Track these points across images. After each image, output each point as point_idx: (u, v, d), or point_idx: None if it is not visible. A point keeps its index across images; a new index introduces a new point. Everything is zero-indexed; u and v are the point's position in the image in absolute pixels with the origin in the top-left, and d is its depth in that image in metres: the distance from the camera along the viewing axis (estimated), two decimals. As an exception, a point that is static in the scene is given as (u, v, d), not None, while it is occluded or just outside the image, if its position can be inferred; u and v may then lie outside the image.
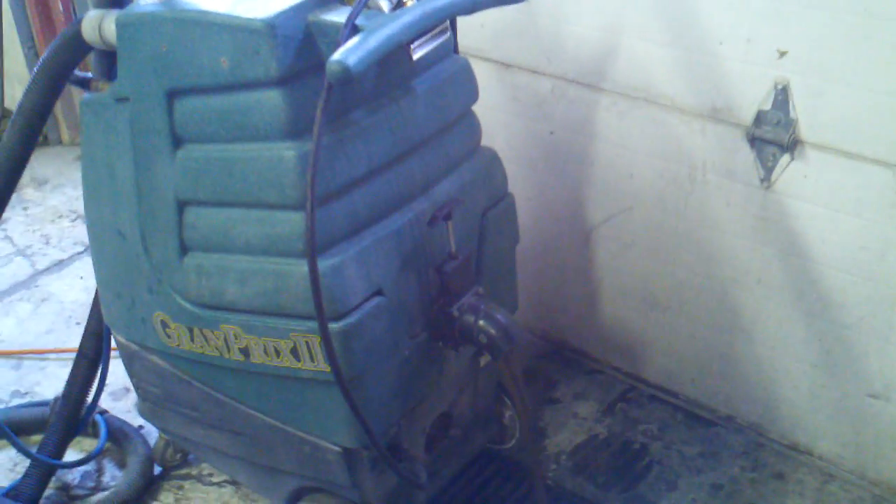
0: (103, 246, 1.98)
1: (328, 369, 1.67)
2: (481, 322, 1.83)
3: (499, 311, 1.85)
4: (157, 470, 2.39)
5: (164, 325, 1.88)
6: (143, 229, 1.83)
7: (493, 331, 1.82)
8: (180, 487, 2.35)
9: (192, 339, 1.85)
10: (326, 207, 1.65)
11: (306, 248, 1.54)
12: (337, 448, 1.84)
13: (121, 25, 1.71)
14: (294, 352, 1.73)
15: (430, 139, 1.84)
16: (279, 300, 1.70)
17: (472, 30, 2.43)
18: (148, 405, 2.14)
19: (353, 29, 1.55)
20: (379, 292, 1.74)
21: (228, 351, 1.81)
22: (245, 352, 1.79)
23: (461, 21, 2.05)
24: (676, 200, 2.32)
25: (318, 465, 1.89)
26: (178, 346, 1.90)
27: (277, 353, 1.75)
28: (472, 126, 1.98)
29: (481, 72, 2.13)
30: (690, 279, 2.41)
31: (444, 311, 1.86)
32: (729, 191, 2.22)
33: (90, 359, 2.23)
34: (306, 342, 1.71)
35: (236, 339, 1.78)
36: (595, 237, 2.54)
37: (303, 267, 1.63)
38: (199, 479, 2.37)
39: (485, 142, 2.06)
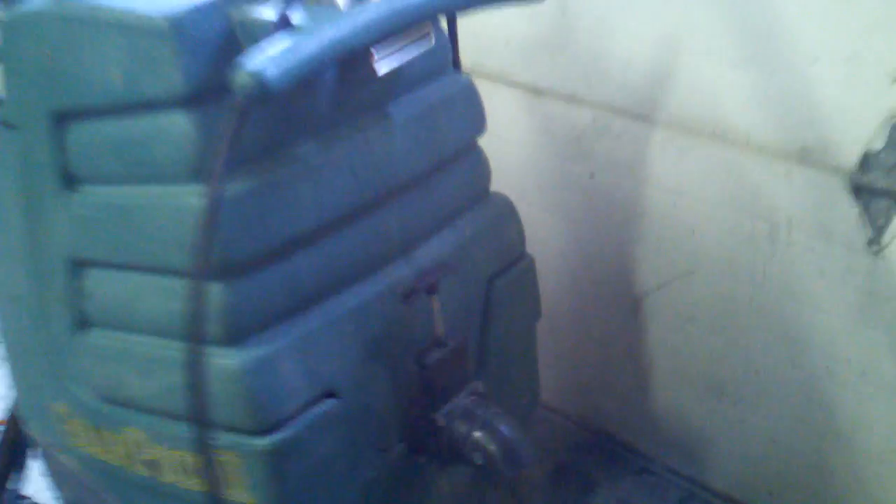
0: (4, 312, 1.54)
1: None
2: (477, 435, 1.34)
3: (503, 419, 1.36)
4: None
5: (63, 418, 1.43)
6: (39, 295, 1.39)
7: (492, 447, 1.33)
8: None
9: (95, 441, 1.39)
10: (253, 276, 1.19)
11: (189, 330, 1.07)
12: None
13: (4, 27, 1.28)
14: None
15: (413, 183, 1.37)
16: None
17: (496, 47, 1.96)
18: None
19: (287, 28, 1.09)
20: (330, 394, 1.27)
21: (132, 462, 1.34)
22: (152, 466, 1.32)
23: (480, 37, 1.59)
24: (752, 265, 1.79)
25: None
26: (82, 447, 1.44)
27: (185, 471, 1.28)
28: (476, 165, 1.50)
29: (505, 99, 1.67)
30: (769, 366, 1.87)
31: (426, 418, 1.37)
32: (823, 255, 1.68)
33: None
34: (228, 462, 1.23)
35: (139, 447, 1.32)
36: (646, 307, 2.02)
37: (221, 358, 1.16)
38: None
39: (508, 187, 1.60)
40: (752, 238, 1.77)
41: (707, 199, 1.81)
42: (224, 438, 1.22)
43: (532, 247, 1.67)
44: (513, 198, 1.59)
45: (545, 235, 2.08)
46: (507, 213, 1.54)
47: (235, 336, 1.19)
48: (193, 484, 1.29)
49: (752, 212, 1.75)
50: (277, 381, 1.20)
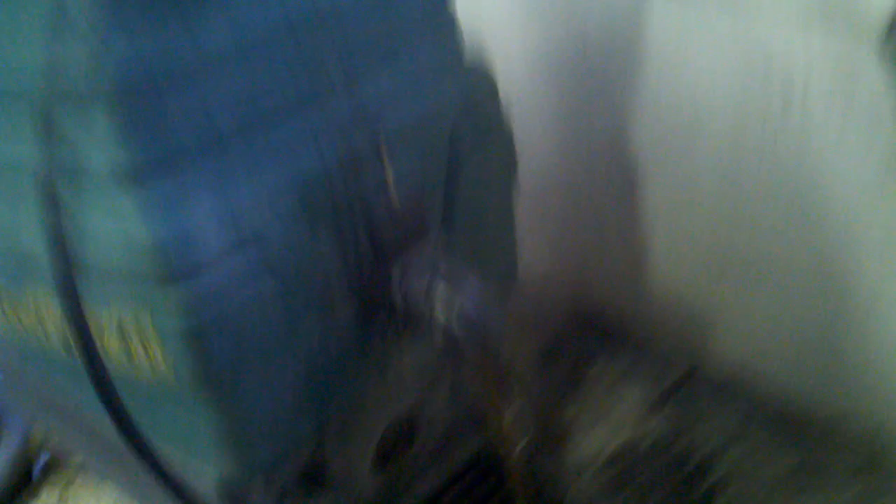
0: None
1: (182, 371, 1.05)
2: (436, 304, 1.17)
3: (464, 281, 1.18)
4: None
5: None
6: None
7: (451, 318, 1.16)
8: (68, 484, 1.77)
9: (4, 313, 1.23)
10: (154, 102, 1.00)
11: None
12: (213, 475, 1.22)
13: None
14: (122, 336, 1.10)
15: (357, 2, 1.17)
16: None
17: None
18: (6, 380, 1.57)
19: None
20: (258, 240, 1.09)
21: (47, 337, 1.19)
22: (64, 339, 1.16)
23: None
24: (761, 137, 1.61)
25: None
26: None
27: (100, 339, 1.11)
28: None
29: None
30: (777, 246, 1.71)
31: (377, 278, 1.19)
32: (842, 127, 1.50)
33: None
34: (136, 323, 1.07)
35: (49, 313, 1.16)
36: (643, 182, 1.84)
37: (118, 193, 1.00)
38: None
39: (489, 55, 1.39)
40: (762, 108, 1.58)
41: (711, 62, 1.61)
42: (138, 288, 1.05)
43: (519, 120, 1.48)
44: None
45: (530, 108, 1.89)
46: (474, 51, 1.34)
47: (135, 170, 1.01)
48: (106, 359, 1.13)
49: (762, 76, 1.56)
50: (187, 221, 1.03)
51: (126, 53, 0.98)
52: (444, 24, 1.30)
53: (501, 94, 1.37)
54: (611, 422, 1.91)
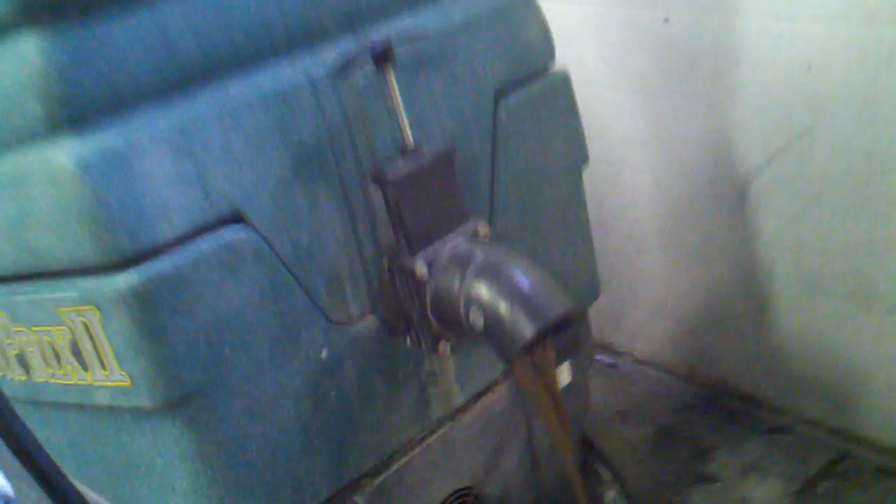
0: None
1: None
2: (477, 287, 0.87)
3: (518, 264, 0.89)
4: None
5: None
6: None
7: (499, 305, 0.85)
8: None
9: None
10: (97, 25, 0.78)
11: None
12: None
13: None
14: (75, 350, 0.84)
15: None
16: (28, 238, 0.82)
17: None
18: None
19: None
20: (236, 218, 0.83)
21: (7, 364, 0.94)
22: (23, 361, 0.91)
23: None
24: (894, 96, 1.27)
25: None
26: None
27: (57, 356, 0.86)
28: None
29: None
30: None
31: (398, 267, 0.91)
32: None
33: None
34: (84, 324, 0.81)
35: (7, 335, 0.91)
36: (754, 193, 1.50)
37: (50, 152, 0.76)
38: None
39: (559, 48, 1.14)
40: (893, 55, 1.24)
41: (827, 14, 1.30)
42: (81, 285, 0.80)
43: (594, 126, 1.21)
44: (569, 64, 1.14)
45: (609, 108, 1.61)
46: (521, 4, 1.07)
47: (70, 117, 0.77)
48: (64, 376, 0.87)
49: (892, 17, 1.23)
50: (140, 186, 0.78)
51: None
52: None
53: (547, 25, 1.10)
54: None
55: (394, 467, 1.04)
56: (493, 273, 0.88)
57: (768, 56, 1.37)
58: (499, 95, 1.04)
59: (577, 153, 1.13)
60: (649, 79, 1.55)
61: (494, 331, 0.86)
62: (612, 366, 1.89)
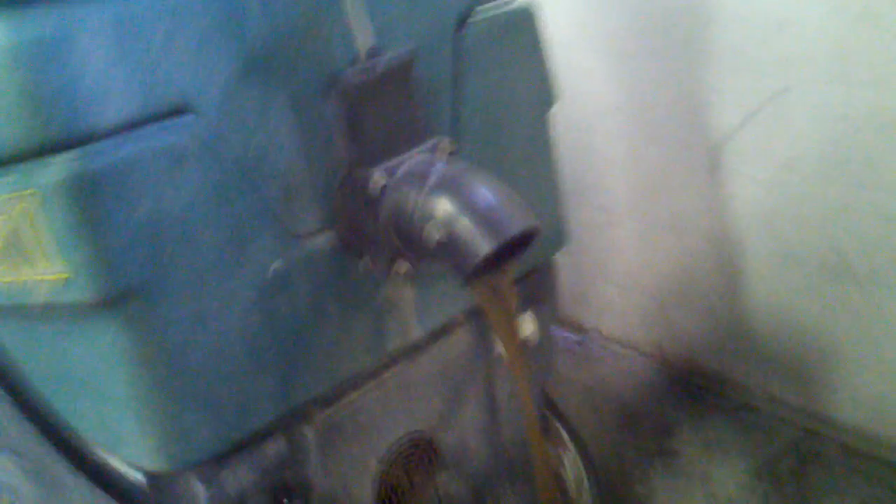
0: None
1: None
2: (434, 200, 0.83)
3: (480, 179, 0.85)
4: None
5: None
6: None
7: (457, 219, 0.82)
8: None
9: None
10: None
11: None
12: (138, 476, 0.87)
13: None
14: (15, 241, 0.80)
15: None
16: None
17: None
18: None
19: None
20: (184, 109, 0.79)
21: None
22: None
23: None
24: (873, 53, 1.25)
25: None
26: None
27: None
28: None
29: None
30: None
31: (355, 178, 0.87)
32: None
33: None
34: (24, 211, 0.77)
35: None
36: (726, 158, 1.48)
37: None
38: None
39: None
40: (867, 8, 1.22)
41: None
42: (15, 170, 0.75)
43: (566, 91, 1.18)
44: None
45: (591, 82, 1.58)
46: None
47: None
48: (3, 272, 0.82)
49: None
50: (79, 69, 0.73)
51: None
52: None
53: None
54: (700, 502, 1.48)
55: (345, 400, 1.00)
56: (452, 186, 0.84)
57: (741, 14, 1.35)
58: (462, 19, 1.00)
59: (544, 92, 1.10)
60: (622, 41, 1.52)
61: (451, 246, 0.82)
62: (579, 343, 1.86)
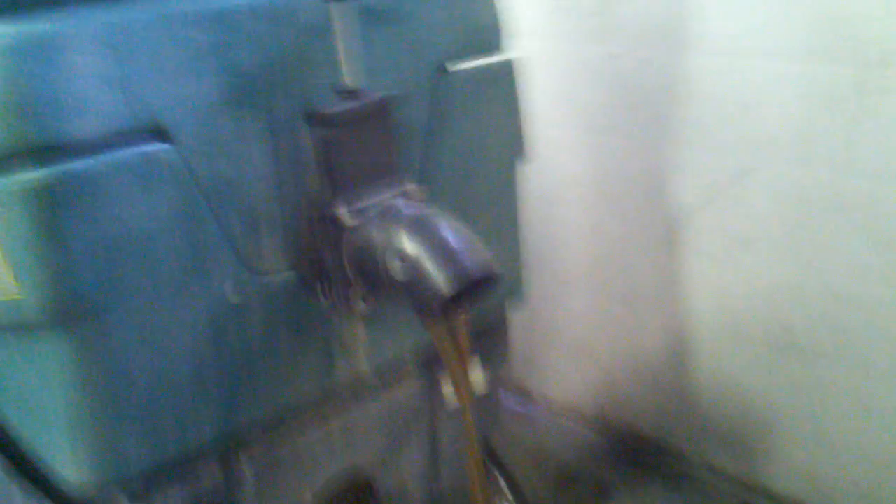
0: None
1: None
2: (401, 238, 0.84)
3: (446, 222, 0.86)
4: None
5: None
6: None
7: (422, 258, 0.83)
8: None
9: None
10: None
11: None
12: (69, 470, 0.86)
13: None
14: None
15: None
16: None
17: None
18: None
19: None
20: (159, 133, 0.79)
21: None
22: None
23: None
24: (834, 138, 1.29)
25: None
26: None
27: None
28: None
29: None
30: (859, 294, 1.34)
31: (325, 214, 0.88)
32: None
33: None
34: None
35: None
36: (684, 234, 1.51)
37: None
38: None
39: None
40: (831, 95, 1.26)
41: (769, 52, 1.32)
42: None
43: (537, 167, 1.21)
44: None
45: (552, 145, 1.61)
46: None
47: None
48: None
49: (830, 55, 1.25)
50: (59, 79, 0.74)
51: None
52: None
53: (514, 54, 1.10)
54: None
55: (286, 433, 0.99)
56: (419, 226, 0.85)
57: (710, 94, 1.39)
58: (442, 68, 1.02)
59: (515, 145, 1.12)
60: (593, 115, 1.56)
61: (414, 285, 0.83)
62: (525, 407, 1.87)
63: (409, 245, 0.84)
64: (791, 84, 1.29)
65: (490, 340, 1.19)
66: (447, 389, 1.13)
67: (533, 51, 1.57)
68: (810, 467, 1.46)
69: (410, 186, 0.92)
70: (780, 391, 1.46)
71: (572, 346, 1.78)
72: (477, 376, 1.18)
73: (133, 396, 0.81)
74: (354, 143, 0.88)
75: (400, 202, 0.89)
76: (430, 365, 1.11)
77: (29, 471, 0.86)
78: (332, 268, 0.89)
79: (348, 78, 0.88)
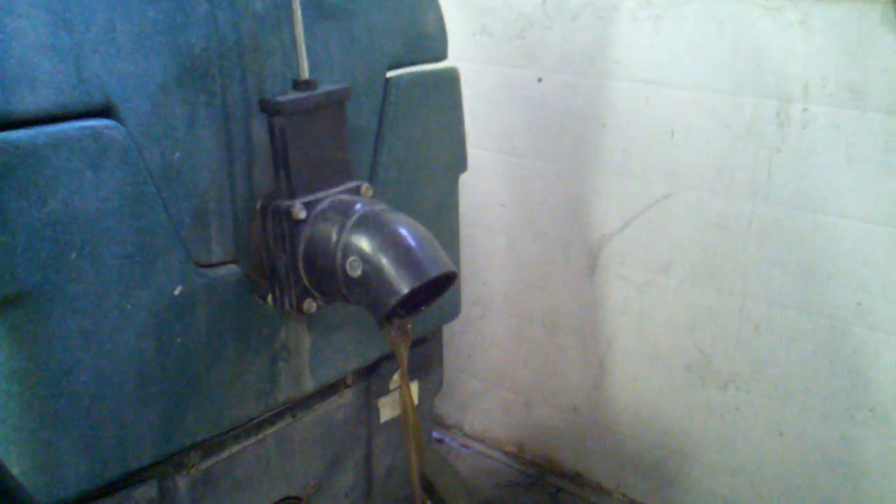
0: None
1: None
2: (357, 236, 0.81)
3: (402, 221, 0.84)
4: None
5: None
6: None
7: (380, 256, 0.80)
8: None
9: None
10: None
11: None
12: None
13: None
14: None
15: None
16: None
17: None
18: None
19: None
20: (108, 112, 0.75)
21: None
22: None
23: None
24: (753, 167, 1.34)
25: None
26: None
27: None
28: None
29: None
30: (775, 320, 1.38)
31: (277, 206, 0.84)
32: (854, 133, 1.26)
33: None
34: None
35: None
36: (603, 261, 1.53)
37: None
38: None
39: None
40: (753, 128, 1.31)
41: (694, 82, 1.36)
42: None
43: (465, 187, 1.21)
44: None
45: (476, 168, 1.61)
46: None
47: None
48: None
49: (753, 88, 1.30)
50: (4, 48, 0.68)
51: None
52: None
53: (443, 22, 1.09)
54: None
55: (224, 454, 0.93)
56: (375, 224, 0.83)
57: (632, 121, 1.43)
58: (391, 69, 1.01)
59: (457, 156, 1.11)
60: (517, 139, 1.57)
61: (371, 282, 0.80)
62: (439, 441, 1.83)
63: (366, 241, 0.81)
64: (714, 114, 1.33)
65: (425, 351, 1.17)
66: (386, 400, 1.10)
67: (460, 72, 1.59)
68: (727, 495, 1.48)
69: (363, 184, 0.90)
70: (697, 419, 1.48)
71: (489, 373, 1.76)
72: (412, 386, 1.15)
73: (74, 400, 0.76)
74: (308, 135, 0.85)
75: (354, 198, 0.87)
76: (368, 378, 1.08)
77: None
78: (282, 263, 0.85)
79: (303, 68, 0.85)
